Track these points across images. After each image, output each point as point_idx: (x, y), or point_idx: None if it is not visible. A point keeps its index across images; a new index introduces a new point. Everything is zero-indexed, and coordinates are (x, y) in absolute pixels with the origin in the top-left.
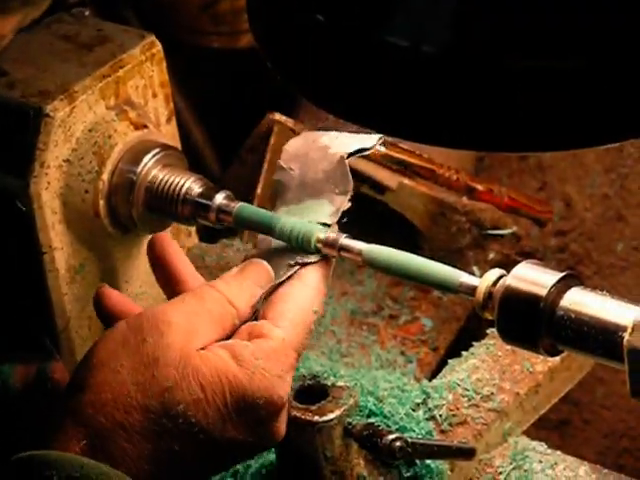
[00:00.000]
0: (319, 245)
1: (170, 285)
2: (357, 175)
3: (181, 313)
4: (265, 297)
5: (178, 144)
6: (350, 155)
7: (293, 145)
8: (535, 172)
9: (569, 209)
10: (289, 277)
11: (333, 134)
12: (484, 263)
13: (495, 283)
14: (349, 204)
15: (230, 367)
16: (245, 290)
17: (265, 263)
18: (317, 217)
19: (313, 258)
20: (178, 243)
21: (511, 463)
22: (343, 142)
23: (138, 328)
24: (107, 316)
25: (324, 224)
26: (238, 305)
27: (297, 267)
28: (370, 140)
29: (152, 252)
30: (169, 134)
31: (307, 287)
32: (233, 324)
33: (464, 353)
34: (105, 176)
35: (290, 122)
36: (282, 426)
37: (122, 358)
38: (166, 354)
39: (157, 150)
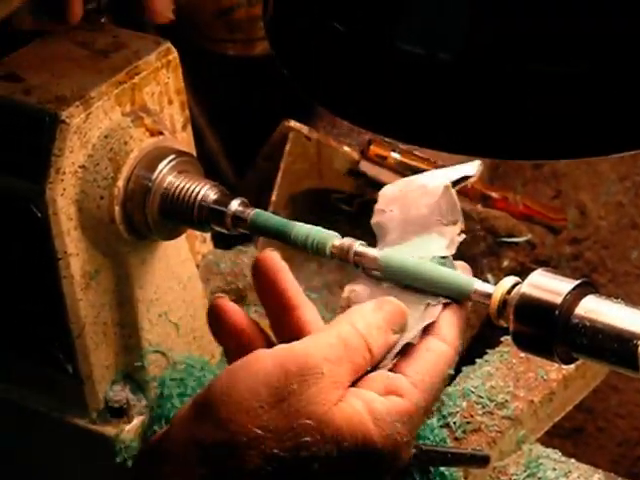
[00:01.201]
0: (334, 251)
1: (280, 314)
2: (370, 181)
3: (328, 361)
4: (399, 354)
5: (193, 151)
6: (455, 184)
7: (389, 190)
8: (550, 180)
9: (584, 217)
10: (424, 330)
11: (427, 173)
12: (498, 271)
13: (510, 291)
14: (463, 235)
15: (367, 424)
16: (383, 336)
17: (403, 306)
18: (430, 251)
19: (443, 300)
20: (192, 249)
21: (525, 471)
22: (442, 175)
23: (285, 372)
24: (224, 333)
25: (441, 257)
26: (375, 352)
27: (429, 320)
28: (471, 167)
29: (259, 278)
30: (184, 141)
31: (445, 345)
32: (366, 370)
33: (478, 360)
34: (120, 182)
35: (305, 129)
36: None
37: (263, 398)
38: (309, 408)
39: (172, 157)
